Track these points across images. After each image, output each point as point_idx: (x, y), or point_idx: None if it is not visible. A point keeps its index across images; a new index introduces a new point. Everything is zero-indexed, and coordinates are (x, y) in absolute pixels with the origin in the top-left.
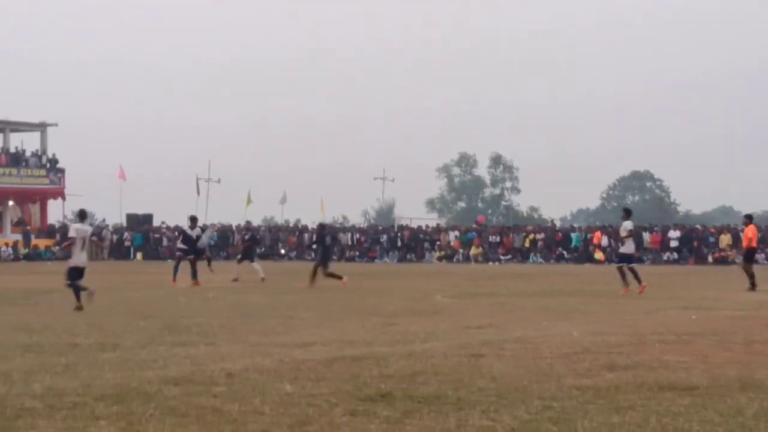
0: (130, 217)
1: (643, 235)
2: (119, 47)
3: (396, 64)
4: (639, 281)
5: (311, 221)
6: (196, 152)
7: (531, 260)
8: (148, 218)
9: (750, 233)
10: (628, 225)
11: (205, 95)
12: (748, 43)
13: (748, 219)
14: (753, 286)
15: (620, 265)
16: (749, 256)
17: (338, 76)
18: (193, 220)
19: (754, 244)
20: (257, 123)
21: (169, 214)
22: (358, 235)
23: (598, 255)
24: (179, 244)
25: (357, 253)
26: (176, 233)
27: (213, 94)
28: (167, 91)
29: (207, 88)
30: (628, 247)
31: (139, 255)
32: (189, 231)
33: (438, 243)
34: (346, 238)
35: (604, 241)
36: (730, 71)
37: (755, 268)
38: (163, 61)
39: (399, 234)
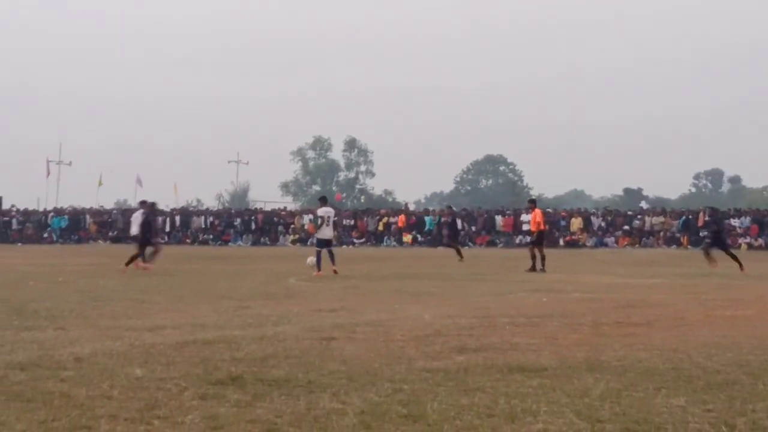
0: None
1: (496, 218)
2: None
3: (253, 46)
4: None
5: (165, 204)
6: (46, 132)
7: (385, 243)
8: None
9: (537, 217)
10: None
11: (58, 68)
12: (605, 35)
13: (532, 203)
14: (533, 268)
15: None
16: (539, 240)
17: (195, 55)
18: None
19: (543, 227)
20: (109, 100)
21: (19, 197)
22: (212, 219)
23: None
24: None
25: (211, 236)
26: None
27: (68, 67)
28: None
29: (62, 61)
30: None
31: None
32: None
33: (292, 226)
34: (199, 221)
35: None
36: (588, 61)
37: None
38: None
39: (253, 217)
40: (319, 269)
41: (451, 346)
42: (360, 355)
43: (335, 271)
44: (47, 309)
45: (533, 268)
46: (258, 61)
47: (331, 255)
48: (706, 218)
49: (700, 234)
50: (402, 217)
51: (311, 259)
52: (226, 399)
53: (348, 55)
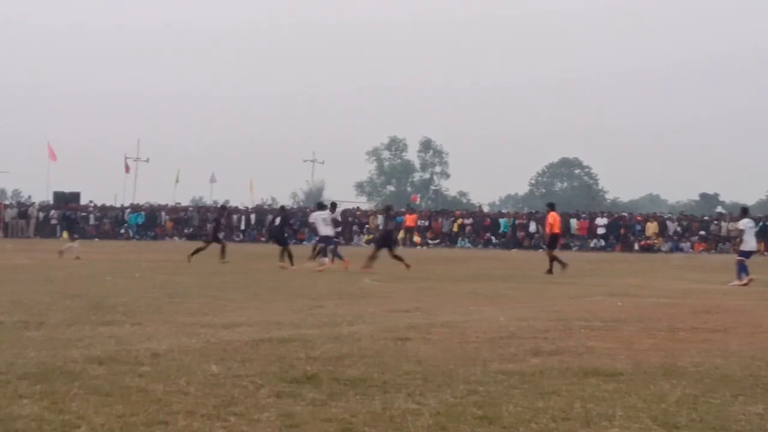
0: (57, 195)
1: (571, 221)
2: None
3: (328, 44)
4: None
5: (240, 202)
6: (124, 128)
7: (459, 245)
8: (75, 196)
9: (551, 220)
10: (740, 224)
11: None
12: (680, 35)
13: (550, 207)
14: (550, 270)
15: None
16: (552, 243)
17: (275, 56)
18: (334, 205)
19: (556, 230)
20: (187, 98)
21: (97, 193)
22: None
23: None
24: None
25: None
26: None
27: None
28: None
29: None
30: (744, 244)
31: (65, 234)
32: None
33: (366, 226)
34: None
35: (532, 227)
36: (660, 62)
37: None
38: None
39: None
40: (322, 263)
41: (527, 349)
42: (435, 356)
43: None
44: (124, 304)
45: (550, 271)
46: (335, 58)
47: (324, 252)
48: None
49: None
50: (411, 217)
51: (322, 260)
52: (301, 397)
53: (423, 54)
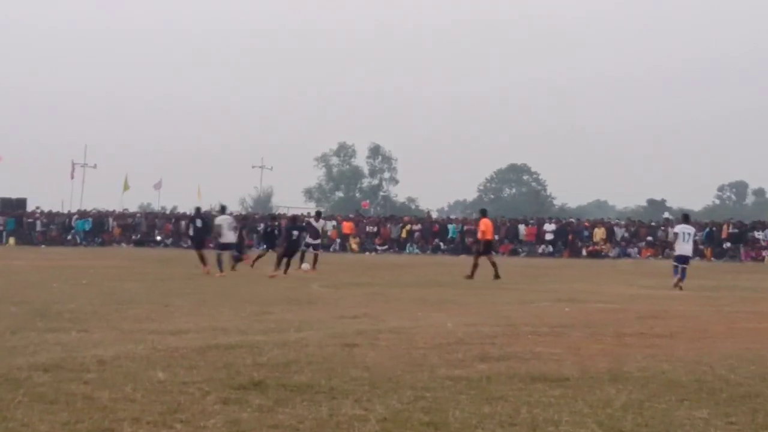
0: (4, 201)
1: (519, 227)
2: None
3: (275, 49)
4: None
5: (188, 208)
6: (71, 134)
7: (407, 251)
8: (21, 203)
9: (483, 227)
10: (675, 229)
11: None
12: (630, 45)
13: (482, 213)
14: (472, 275)
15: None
16: (486, 249)
17: (223, 61)
18: (318, 214)
19: (489, 237)
20: (136, 102)
21: (43, 198)
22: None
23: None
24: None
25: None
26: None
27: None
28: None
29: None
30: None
31: (11, 240)
32: (315, 223)
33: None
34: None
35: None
36: (608, 71)
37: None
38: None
39: (276, 223)
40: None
41: (474, 355)
42: (382, 362)
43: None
44: (71, 311)
45: (471, 276)
46: (283, 64)
47: (220, 258)
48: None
49: (724, 246)
50: (348, 224)
51: (305, 265)
52: (248, 404)
53: (372, 59)
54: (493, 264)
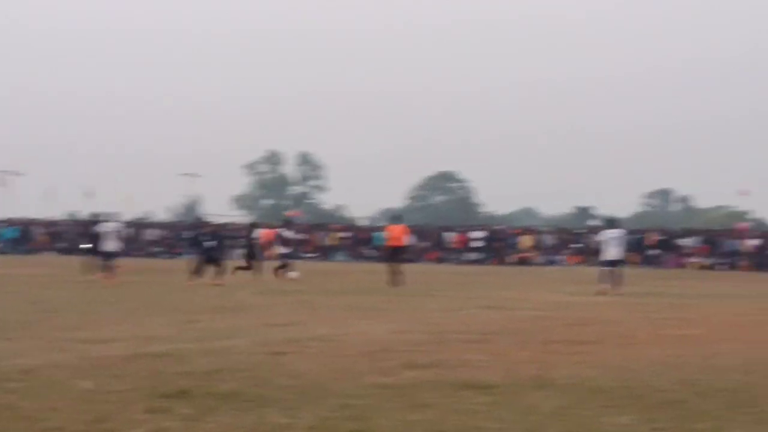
0: None
1: (447, 235)
2: None
3: (207, 55)
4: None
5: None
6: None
7: (336, 258)
8: None
9: (392, 232)
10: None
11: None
12: (559, 55)
13: (394, 219)
14: (394, 281)
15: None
16: (392, 256)
17: (147, 64)
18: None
19: (396, 243)
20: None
21: None
22: (162, 231)
23: None
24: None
25: (162, 248)
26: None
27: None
28: None
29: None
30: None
31: None
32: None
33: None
34: (150, 234)
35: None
36: (536, 78)
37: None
38: None
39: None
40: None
41: (401, 362)
42: (310, 370)
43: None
44: None
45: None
46: (212, 72)
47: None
48: (656, 237)
49: (650, 253)
50: (268, 232)
51: (294, 273)
52: (174, 413)
53: (301, 65)
54: (394, 273)
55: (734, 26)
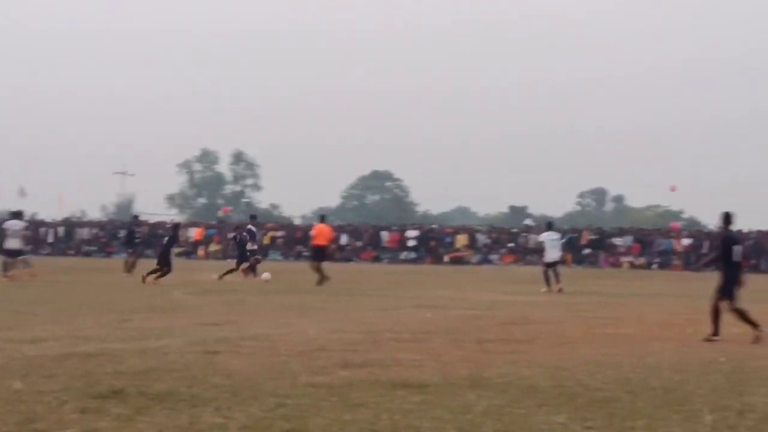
0: None
1: (382, 234)
2: None
3: (138, 53)
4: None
5: (48, 215)
6: None
7: (270, 257)
8: None
9: (315, 232)
10: (540, 237)
11: None
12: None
13: (320, 218)
14: (321, 280)
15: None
16: (316, 255)
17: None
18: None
19: (321, 242)
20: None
21: None
22: (95, 230)
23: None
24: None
25: (95, 247)
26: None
27: None
28: None
29: None
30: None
31: None
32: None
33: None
34: (83, 233)
35: (343, 239)
36: (467, 83)
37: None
38: None
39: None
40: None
41: (336, 362)
42: (244, 370)
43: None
44: None
45: (321, 280)
46: (145, 71)
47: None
48: (590, 237)
49: (583, 252)
50: (198, 231)
51: (266, 275)
52: (107, 413)
53: (235, 63)
54: (318, 271)
55: (728, 26)
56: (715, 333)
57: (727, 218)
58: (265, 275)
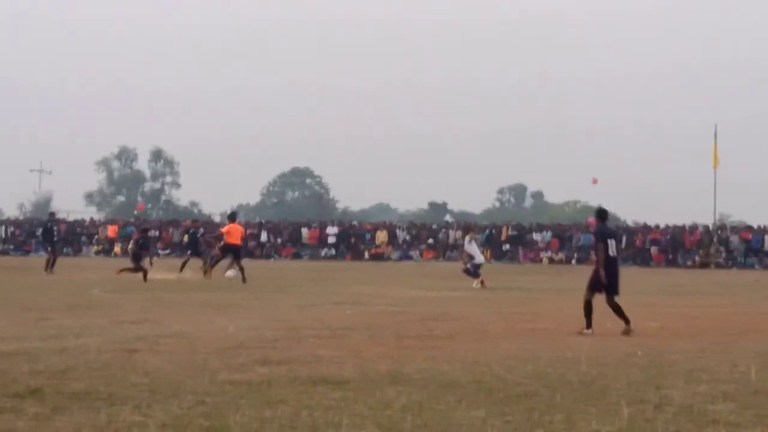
0: None
1: (302, 231)
2: None
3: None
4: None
5: None
6: None
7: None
8: None
9: (227, 230)
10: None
11: None
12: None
13: (232, 217)
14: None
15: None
16: (233, 253)
17: None
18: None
19: (234, 241)
20: None
21: None
22: (12, 229)
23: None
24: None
25: (12, 246)
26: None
27: None
28: None
29: None
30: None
31: None
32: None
33: (96, 237)
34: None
35: (263, 237)
36: (392, 80)
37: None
38: None
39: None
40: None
41: (255, 359)
42: (163, 368)
43: None
44: None
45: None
46: (64, 59)
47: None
48: (509, 233)
49: (503, 248)
50: (113, 228)
51: (231, 272)
52: (24, 412)
53: (153, 56)
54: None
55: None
56: (588, 326)
57: (601, 214)
58: (230, 273)
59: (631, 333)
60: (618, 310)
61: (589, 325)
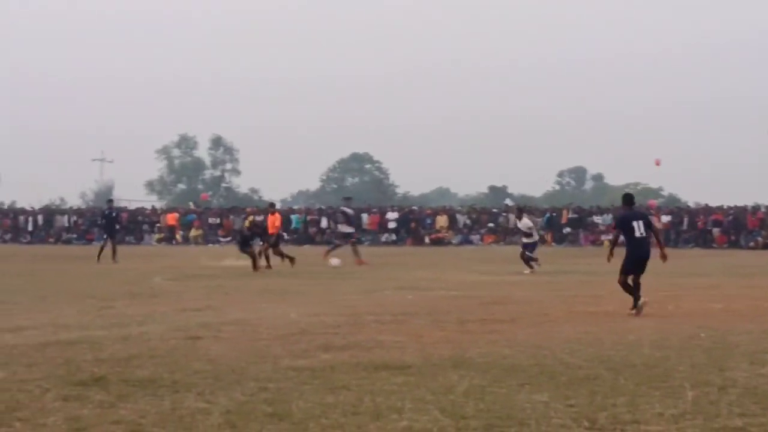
0: None
1: (362, 216)
2: None
3: (116, 37)
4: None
5: (27, 203)
6: None
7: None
8: None
9: (276, 222)
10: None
11: None
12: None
13: (272, 207)
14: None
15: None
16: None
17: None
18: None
19: (274, 231)
20: None
21: None
22: (75, 218)
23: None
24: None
25: (75, 235)
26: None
27: None
28: None
29: None
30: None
31: None
32: (349, 210)
33: (158, 225)
34: (63, 220)
35: (323, 223)
36: (446, 61)
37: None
38: None
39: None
40: None
41: (317, 345)
42: (225, 354)
43: None
44: None
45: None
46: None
47: None
48: (569, 216)
49: (564, 231)
50: (172, 216)
51: (335, 261)
52: (89, 400)
53: (213, 47)
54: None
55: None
56: (635, 306)
57: (626, 198)
58: (335, 261)
59: (640, 313)
60: (636, 290)
61: (636, 301)
